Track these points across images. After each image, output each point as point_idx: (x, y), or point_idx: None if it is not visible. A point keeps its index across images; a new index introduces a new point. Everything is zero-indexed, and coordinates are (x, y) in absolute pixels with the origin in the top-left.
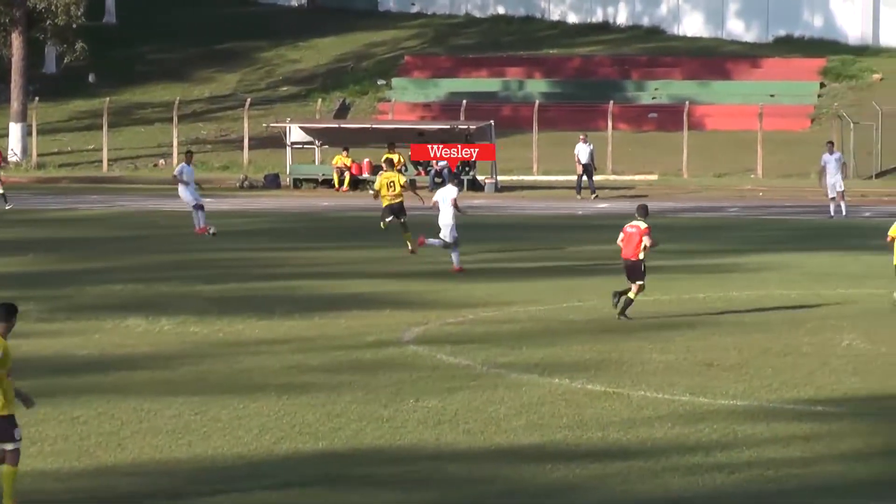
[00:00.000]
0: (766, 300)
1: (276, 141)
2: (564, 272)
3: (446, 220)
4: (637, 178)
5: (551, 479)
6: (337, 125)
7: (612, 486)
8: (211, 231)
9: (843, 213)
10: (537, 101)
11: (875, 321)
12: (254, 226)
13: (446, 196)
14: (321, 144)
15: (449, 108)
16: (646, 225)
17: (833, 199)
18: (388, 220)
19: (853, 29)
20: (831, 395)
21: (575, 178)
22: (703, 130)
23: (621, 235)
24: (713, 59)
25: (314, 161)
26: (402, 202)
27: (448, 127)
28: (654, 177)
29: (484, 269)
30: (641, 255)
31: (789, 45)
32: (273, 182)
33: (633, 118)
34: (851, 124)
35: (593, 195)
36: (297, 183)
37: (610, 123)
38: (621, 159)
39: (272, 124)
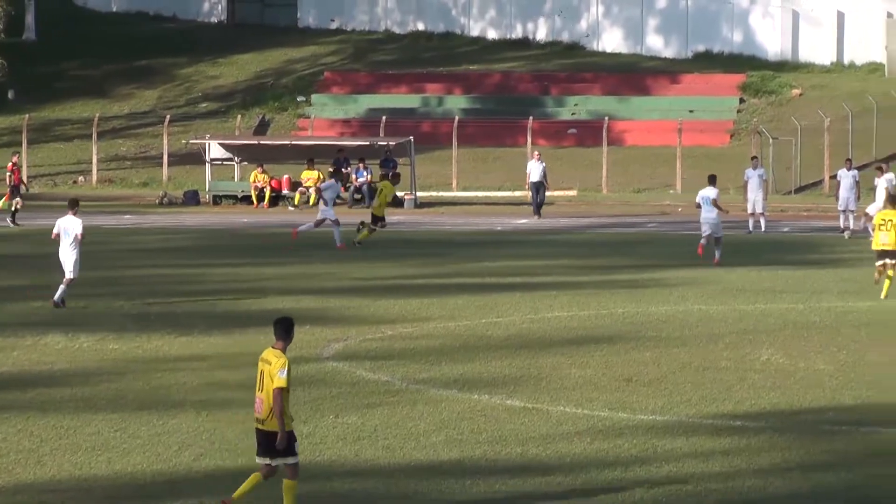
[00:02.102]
0: (685, 315)
1: (195, 157)
2: (483, 288)
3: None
4: (556, 193)
5: (470, 495)
6: (256, 142)
7: (530, 501)
8: None
9: (763, 228)
10: (457, 117)
11: (793, 336)
12: (173, 242)
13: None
14: (241, 161)
15: (368, 124)
16: None
17: (752, 214)
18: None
19: (772, 44)
20: (750, 410)
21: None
22: (623, 146)
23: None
24: (632, 74)
25: (234, 178)
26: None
27: (367, 143)
28: (573, 192)
29: (403, 285)
30: None
31: (709, 61)
32: (192, 199)
33: (552, 134)
34: (770, 140)
35: (536, 214)
36: (217, 199)
37: (529, 139)
38: None
39: (192, 141)
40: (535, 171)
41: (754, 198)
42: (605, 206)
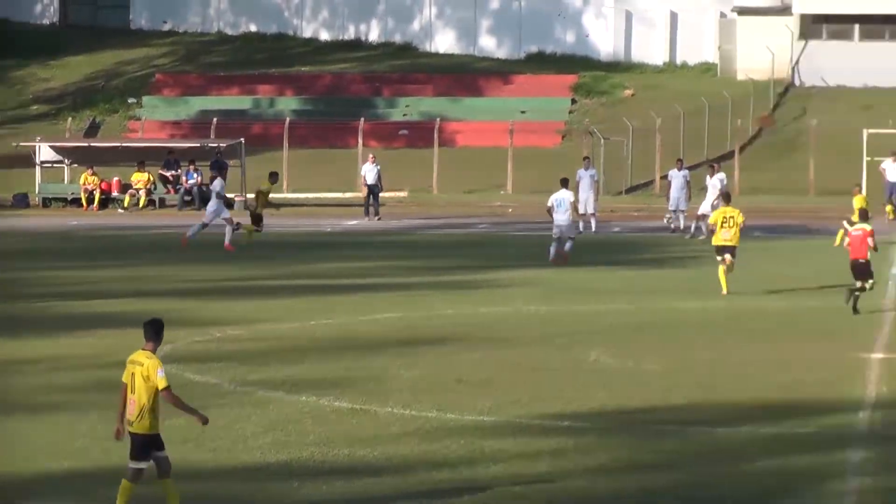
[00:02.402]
0: (516, 316)
1: (25, 160)
2: (313, 290)
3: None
4: (387, 194)
5: (298, 497)
6: (87, 144)
7: (358, 502)
8: None
9: (593, 229)
10: (288, 119)
11: (623, 336)
12: (1, 246)
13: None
14: (71, 163)
15: (199, 126)
16: (870, 227)
17: (583, 214)
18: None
19: (605, 45)
20: (579, 410)
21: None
22: (454, 147)
23: (846, 240)
24: (465, 75)
25: (64, 180)
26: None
27: (198, 145)
28: (404, 193)
29: (233, 287)
30: (869, 256)
31: (541, 62)
32: (22, 201)
33: (384, 135)
34: (602, 140)
35: (376, 217)
36: (47, 202)
37: (361, 140)
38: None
39: (21, 143)
40: (370, 173)
41: (586, 198)
42: (436, 208)
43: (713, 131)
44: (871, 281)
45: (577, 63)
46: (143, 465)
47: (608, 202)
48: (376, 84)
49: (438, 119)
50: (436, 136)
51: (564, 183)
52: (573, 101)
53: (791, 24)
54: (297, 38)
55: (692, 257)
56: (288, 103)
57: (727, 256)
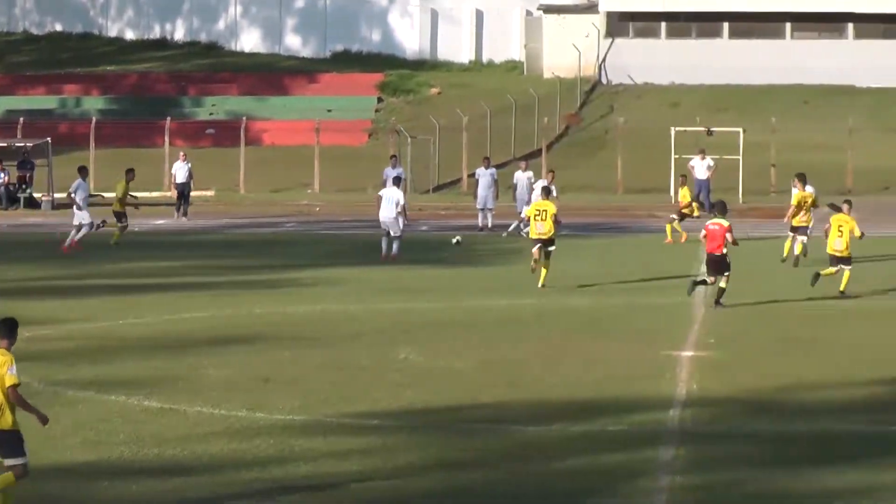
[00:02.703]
0: (324, 315)
1: None
2: (121, 289)
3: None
4: (194, 194)
5: (108, 497)
6: None
7: (168, 502)
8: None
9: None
10: (94, 118)
11: (432, 334)
12: None
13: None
14: None
15: (5, 126)
16: (728, 223)
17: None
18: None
19: (411, 43)
20: (388, 409)
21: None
22: (261, 146)
23: (703, 233)
24: (271, 74)
25: None
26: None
27: (4, 144)
28: (211, 193)
29: (40, 286)
30: (725, 250)
31: (347, 60)
32: None
33: (190, 134)
34: (409, 139)
35: (184, 216)
36: None
37: (167, 140)
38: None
39: None
40: (180, 171)
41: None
42: (243, 207)
43: (520, 130)
44: (725, 276)
45: (384, 61)
46: (20, 460)
47: (416, 200)
48: (182, 83)
49: (245, 118)
50: (242, 135)
51: (396, 181)
52: (379, 100)
53: (597, 21)
54: (102, 37)
55: (500, 255)
56: (94, 103)
57: (544, 249)
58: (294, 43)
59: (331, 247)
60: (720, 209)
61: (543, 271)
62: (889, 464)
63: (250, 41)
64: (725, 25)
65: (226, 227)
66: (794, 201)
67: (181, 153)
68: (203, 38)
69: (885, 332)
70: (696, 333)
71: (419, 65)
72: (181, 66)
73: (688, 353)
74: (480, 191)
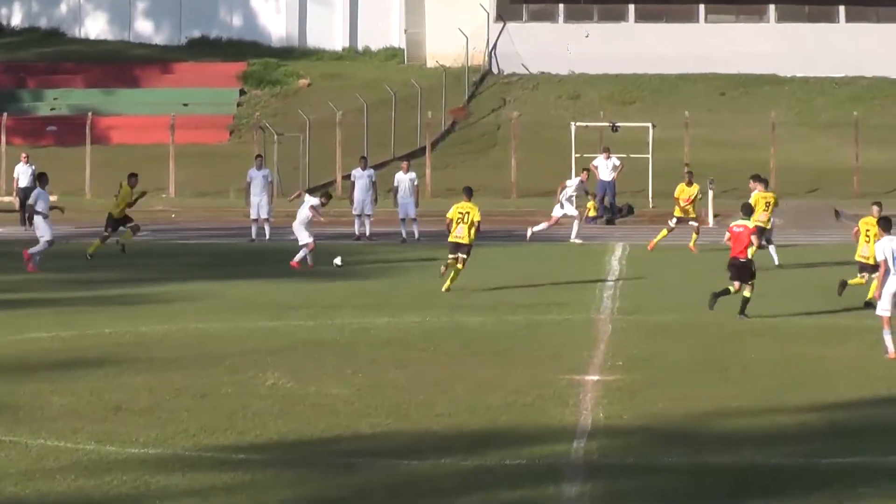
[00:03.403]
0: (181, 335)
1: None
2: None
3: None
4: None
5: None
6: None
7: None
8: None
9: (267, 236)
10: None
11: (303, 357)
12: None
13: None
14: None
15: None
16: (753, 225)
17: (256, 220)
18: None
19: (277, 29)
20: (255, 441)
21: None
22: (109, 144)
23: (727, 235)
24: (119, 64)
25: None
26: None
27: None
28: (53, 198)
29: None
30: (750, 255)
31: (205, 48)
32: None
33: (30, 132)
34: (275, 136)
35: (30, 225)
36: None
37: (4, 137)
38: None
39: None
40: (23, 175)
41: (258, 202)
42: (89, 213)
43: (401, 125)
44: (749, 284)
45: (246, 49)
46: None
47: (285, 205)
48: (20, 74)
49: (90, 113)
50: (88, 132)
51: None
52: (242, 93)
53: (486, 3)
54: None
55: (380, 267)
56: None
57: (460, 255)
58: (145, 29)
59: (189, 258)
60: (745, 210)
61: (452, 274)
62: (817, 501)
63: (96, 27)
64: (631, 7)
65: (72, 236)
66: (752, 201)
67: (23, 154)
68: (43, 23)
69: (815, 353)
70: (603, 354)
71: (286, 53)
72: (19, 54)
73: (593, 377)
74: (357, 195)
